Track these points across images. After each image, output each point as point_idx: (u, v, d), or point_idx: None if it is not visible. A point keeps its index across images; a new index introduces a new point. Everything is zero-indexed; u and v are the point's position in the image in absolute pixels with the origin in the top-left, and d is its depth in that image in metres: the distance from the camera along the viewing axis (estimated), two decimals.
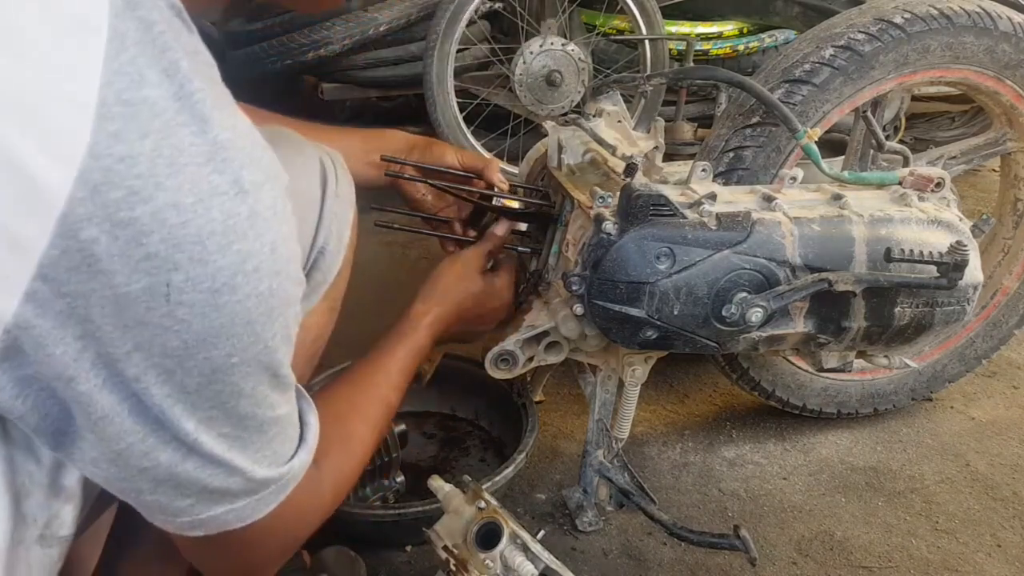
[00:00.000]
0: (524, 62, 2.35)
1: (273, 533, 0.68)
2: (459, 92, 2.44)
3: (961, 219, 1.15)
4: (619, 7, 2.52)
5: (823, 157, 1.16)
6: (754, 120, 1.24)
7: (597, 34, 2.65)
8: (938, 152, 1.44)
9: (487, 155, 2.39)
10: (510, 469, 1.17)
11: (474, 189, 1.15)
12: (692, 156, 1.54)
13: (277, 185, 0.55)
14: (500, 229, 1.14)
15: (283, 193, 0.55)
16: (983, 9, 1.27)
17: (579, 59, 2.38)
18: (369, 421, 0.89)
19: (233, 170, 0.50)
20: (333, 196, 0.86)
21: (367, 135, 1.15)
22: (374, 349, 1.00)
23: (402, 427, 1.25)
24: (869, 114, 1.26)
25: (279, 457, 0.63)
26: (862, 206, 1.12)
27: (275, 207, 0.54)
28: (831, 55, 1.23)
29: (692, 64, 2.44)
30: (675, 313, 1.03)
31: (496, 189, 1.16)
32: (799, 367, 1.43)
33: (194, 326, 0.51)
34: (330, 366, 1.34)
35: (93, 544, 0.93)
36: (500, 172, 1.17)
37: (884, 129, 1.33)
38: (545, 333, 1.12)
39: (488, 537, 0.93)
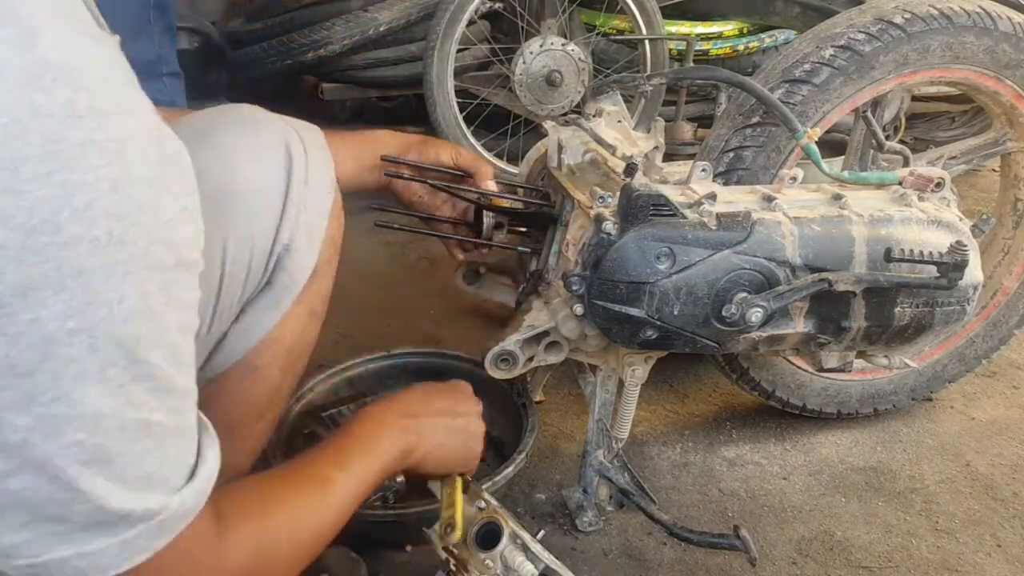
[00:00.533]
0: (524, 62, 2.35)
1: None
2: (459, 92, 2.45)
3: (961, 219, 1.16)
4: (619, 7, 2.52)
5: (823, 157, 1.16)
6: (754, 120, 1.24)
7: (597, 34, 2.66)
8: (938, 152, 1.44)
9: (487, 155, 2.40)
10: (510, 469, 1.17)
11: (474, 189, 1.15)
12: (692, 156, 1.54)
13: (134, 121, 0.47)
14: None
15: (144, 132, 0.48)
16: (983, 9, 1.27)
17: (579, 59, 2.38)
18: (303, 521, 0.72)
19: (65, 93, 0.43)
20: (301, 183, 0.77)
21: (357, 139, 1.10)
22: (320, 445, 0.86)
23: None
24: (869, 114, 1.26)
25: (152, 482, 0.51)
26: (862, 206, 1.12)
27: (125, 142, 0.45)
28: (831, 55, 1.23)
29: (692, 64, 2.44)
30: (675, 313, 1.03)
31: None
32: (799, 367, 1.43)
33: (8, 275, 0.42)
34: (330, 365, 1.34)
35: None
36: (492, 179, 1.14)
37: (884, 129, 1.33)
38: (545, 333, 1.12)
39: (488, 537, 0.93)
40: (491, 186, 1.14)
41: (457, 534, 0.92)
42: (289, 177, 0.76)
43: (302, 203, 0.77)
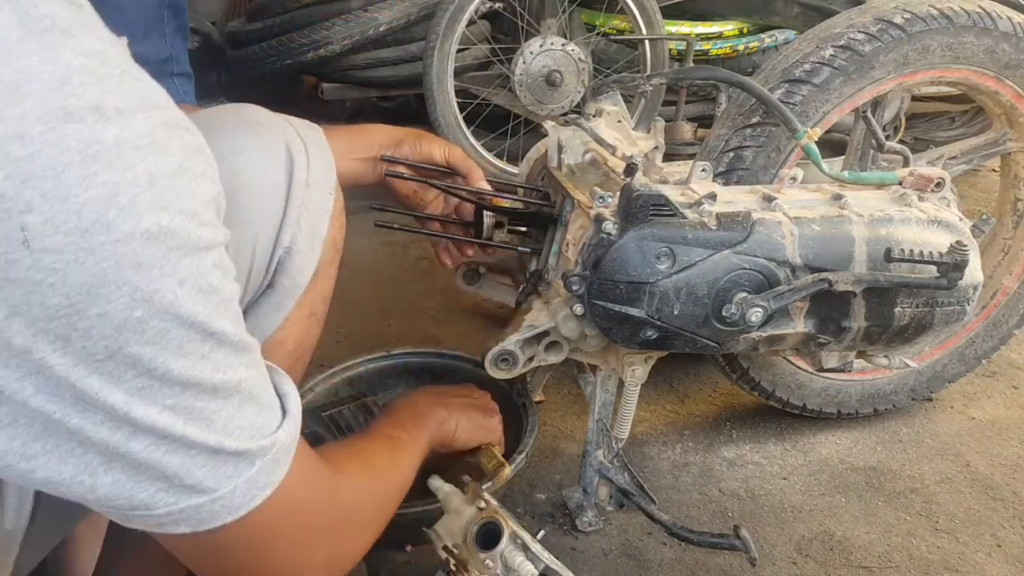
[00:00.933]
0: (524, 62, 2.35)
1: (278, 533, 0.61)
2: (459, 92, 2.45)
3: (961, 219, 1.15)
4: (619, 7, 2.52)
5: (823, 157, 1.16)
6: (754, 120, 1.24)
7: (597, 34, 2.66)
8: (938, 152, 1.44)
9: (487, 155, 2.40)
10: (510, 469, 1.17)
11: (475, 189, 1.15)
12: (692, 156, 1.54)
13: (156, 116, 0.49)
14: None
15: (166, 126, 0.49)
16: (983, 9, 1.27)
17: (579, 59, 2.38)
18: (385, 474, 0.82)
19: (93, 95, 0.45)
20: (302, 185, 0.76)
21: (351, 132, 1.09)
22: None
23: None
24: (869, 114, 1.26)
25: (259, 429, 0.57)
26: (862, 206, 1.12)
27: (153, 137, 0.48)
28: (831, 55, 1.23)
29: (692, 64, 2.44)
30: (675, 313, 1.03)
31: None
32: (799, 367, 1.43)
33: (70, 276, 0.44)
34: (330, 366, 1.34)
35: (94, 529, 0.91)
36: (483, 180, 1.14)
37: (884, 129, 1.33)
38: (545, 333, 1.12)
39: (488, 537, 0.93)
40: (483, 187, 1.14)
41: (507, 470, 1.09)
42: (290, 179, 0.76)
43: (303, 205, 0.76)
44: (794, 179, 1.21)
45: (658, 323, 1.03)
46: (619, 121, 1.25)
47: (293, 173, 0.76)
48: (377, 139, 1.09)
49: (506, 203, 1.17)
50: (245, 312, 0.79)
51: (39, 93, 0.43)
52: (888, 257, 1.06)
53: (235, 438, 0.55)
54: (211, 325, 0.52)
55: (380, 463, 0.82)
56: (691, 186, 1.11)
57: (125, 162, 0.45)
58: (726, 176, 1.25)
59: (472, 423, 1.09)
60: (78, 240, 0.44)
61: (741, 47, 2.62)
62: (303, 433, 0.87)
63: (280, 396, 0.62)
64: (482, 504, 0.97)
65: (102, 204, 0.44)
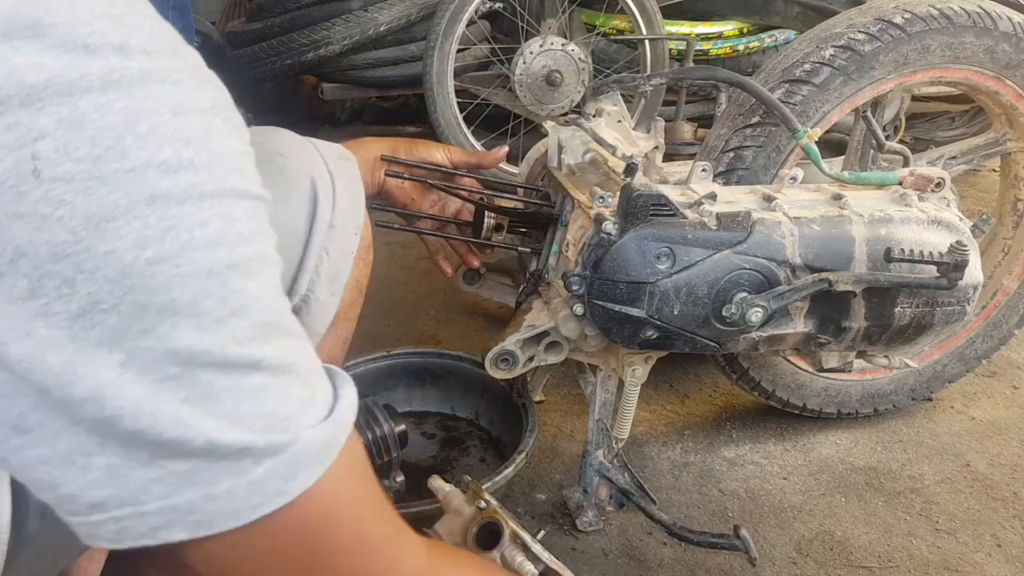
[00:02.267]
0: (524, 62, 2.35)
1: (290, 559, 0.50)
2: (459, 92, 2.45)
3: (961, 219, 1.16)
4: (619, 7, 2.52)
5: (823, 157, 1.16)
6: (754, 120, 1.24)
7: (597, 34, 2.66)
8: (938, 152, 1.44)
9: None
10: (510, 469, 1.17)
11: (475, 190, 1.15)
12: (692, 156, 1.54)
13: (192, 57, 0.45)
14: None
15: (198, 72, 0.45)
16: (983, 9, 1.27)
17: (579, 59, 2.38)
18: None
19: (117, 36, 0.42)
20: (324, 227, 0.70)
21: (347, 146, 1.05)
22: None
23: (402, 427, 1.25)
24: (869, 114, 1.26)
25: (276, 420, 0.47)
26: (862, 206, 1.12)
27: (181, 76, 0.44)
28: (831, 55, 1.23)
29: (692, 64, 2.44)
30: (675, 313, 1.03)
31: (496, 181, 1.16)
32: (799, 367, 1.43)
33: (79, 207, 0.40)
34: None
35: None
36: (497, 159, 1.16)
37: (884, 129, 1.33)
38: (545, 333, 1.12)
39: (488, 537, 0.93)
40: (499, 167, 1.12)
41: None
42: (312, 220, 0.70)
43: (324, 249, 0.71)
44: (794, 179, 1.21)
45: (658, 323, 1.03)
46: (619, 121, 1.25)
47: (316, 213, 0.70)
48: (373, 151, 1.08)
49: (506, 203, 1.17)
50: None
51: (60, 28, 0.40)
52: (888, 257, 1.06)
53: (243, 427, 0.45)
54: (232, 280, 0.45)
55: None
56: (691, 186, 1.11)
57: (148, 91, 0.42)
58: (726, 176, 1.25)
59: None
60: (89, 168, 0.40)
61: (741, 47, 2.62)
62: None
63: (335, 394, 0.52)
64: (482, 504, 0.97)
65: (118, 131, 0.41)
